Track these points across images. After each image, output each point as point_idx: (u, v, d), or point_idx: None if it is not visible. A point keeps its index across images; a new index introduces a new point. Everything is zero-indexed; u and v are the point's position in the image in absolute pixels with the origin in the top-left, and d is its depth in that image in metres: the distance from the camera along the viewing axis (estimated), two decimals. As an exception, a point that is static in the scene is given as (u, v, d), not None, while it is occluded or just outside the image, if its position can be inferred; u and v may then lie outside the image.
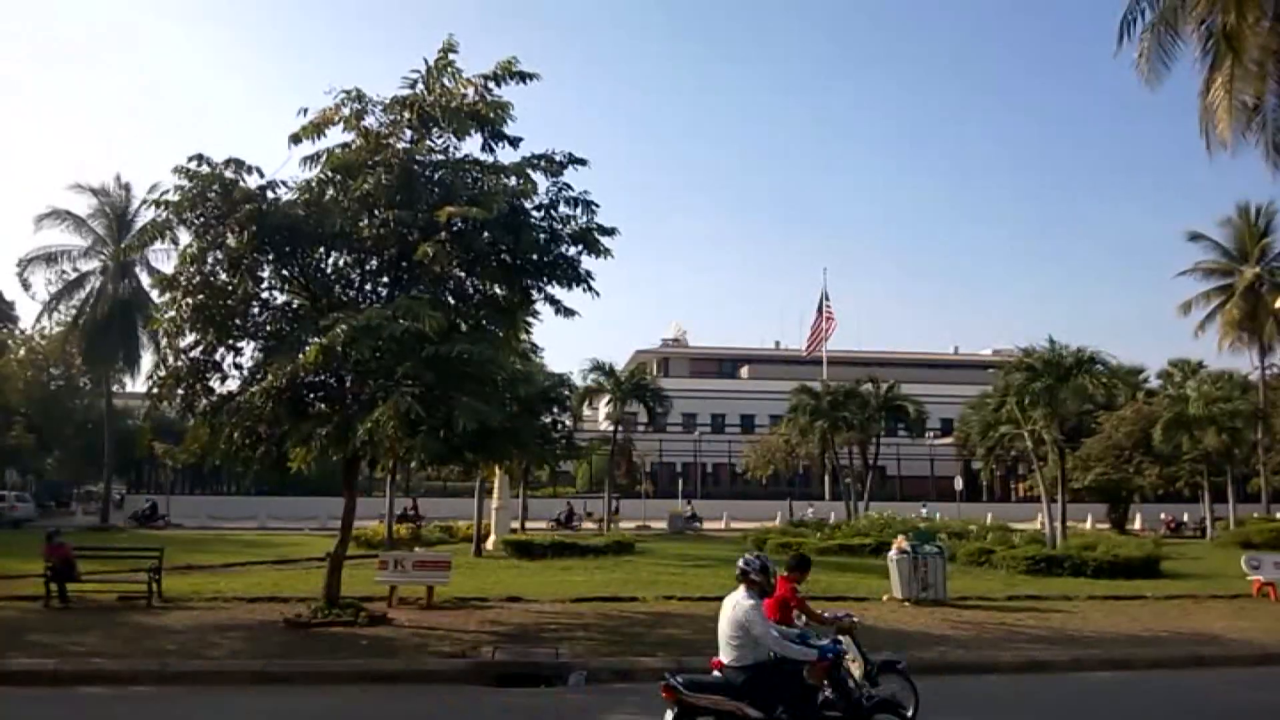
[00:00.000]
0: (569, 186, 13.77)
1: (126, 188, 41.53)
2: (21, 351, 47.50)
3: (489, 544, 27.05)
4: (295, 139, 13.45)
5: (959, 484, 49.14)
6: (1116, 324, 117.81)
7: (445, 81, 13.54)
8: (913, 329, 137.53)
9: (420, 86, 13.60)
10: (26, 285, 40.96)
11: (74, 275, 40.84)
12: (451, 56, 13.51)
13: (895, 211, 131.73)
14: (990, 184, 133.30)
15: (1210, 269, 42.78)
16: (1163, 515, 44.01)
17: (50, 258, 40.34)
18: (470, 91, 13.49)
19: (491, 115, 13.53)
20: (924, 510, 44.71)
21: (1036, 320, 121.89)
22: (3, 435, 39.79)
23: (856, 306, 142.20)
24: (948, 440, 58.98)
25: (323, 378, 13.45)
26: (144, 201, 38.64)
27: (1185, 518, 43.70)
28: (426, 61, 13.56)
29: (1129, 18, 17.39)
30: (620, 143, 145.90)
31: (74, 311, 41.09)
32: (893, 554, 16.68)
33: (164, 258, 31.15)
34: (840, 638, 7.80)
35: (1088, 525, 41.07)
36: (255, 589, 16.90)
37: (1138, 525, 43.23)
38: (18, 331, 51.14)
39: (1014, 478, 59.73)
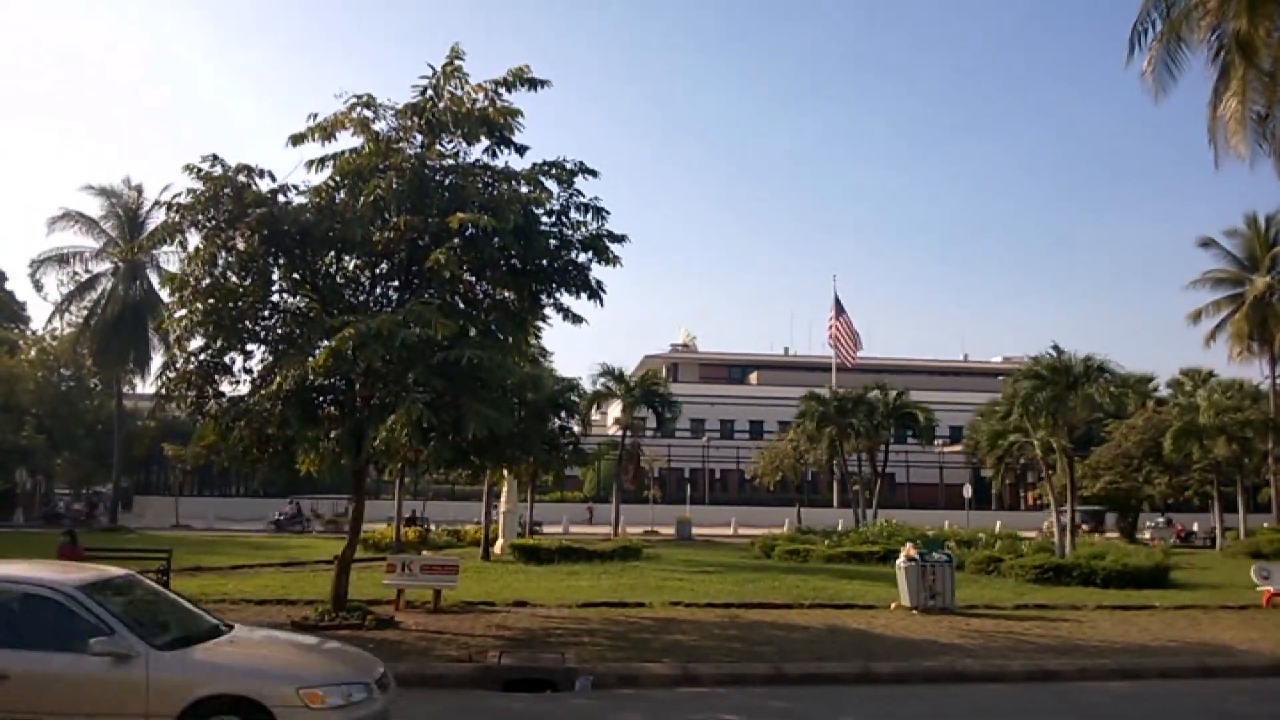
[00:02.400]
0: (580, 193, 13.84)
1: (138, 189, 41.86)
2: (33, 352, 47.82)
3: (496, 548, 27.11)
4: (297, 140, 13.48)
5: (968, 492, 48.99)
6: (1128, 332, 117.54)
7: (452, 89, 13.59)
8: (922, 336, 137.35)
9: (430, 92, 13.67)
10: (39, 286, 41.35)
11: (85, 277, 41.18)
12: (458, 63, 13.57)
13: (906, 219, 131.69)
14: (1001, 191, 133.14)
15: (1220, 278, 42.62)
16: (1170, 519, 43.77)
17: (62, 259, 40.64)
18: (480, 97, 13.55)
19: (501, 121, 13.57)
20: (942, 524, 44.45)
21: (1047, 328, 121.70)
22: (14, 435, 39.98)
23: (866, 313, 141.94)
24: (957, 448, 58.83)
25: (332, 381, 13.50)
26: (155, 203, 38.95)
27: (1195, 527, 43.50)
28: (433, 68, 13.65)
29: (1140, 28, 17.36)
30: (629, 148, 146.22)
31: (85, 313, 41.37)
32: (901, 561, 16.64)
33: (175, 259, 31.34)
34: None
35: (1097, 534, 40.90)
36: (263, 591, 16.96)
37: (1147, 535, 43.04)
38: (29, 332, 51.53)
39: (1023, 486, 59.50)
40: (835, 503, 54.53)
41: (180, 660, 6.95)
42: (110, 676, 6.68)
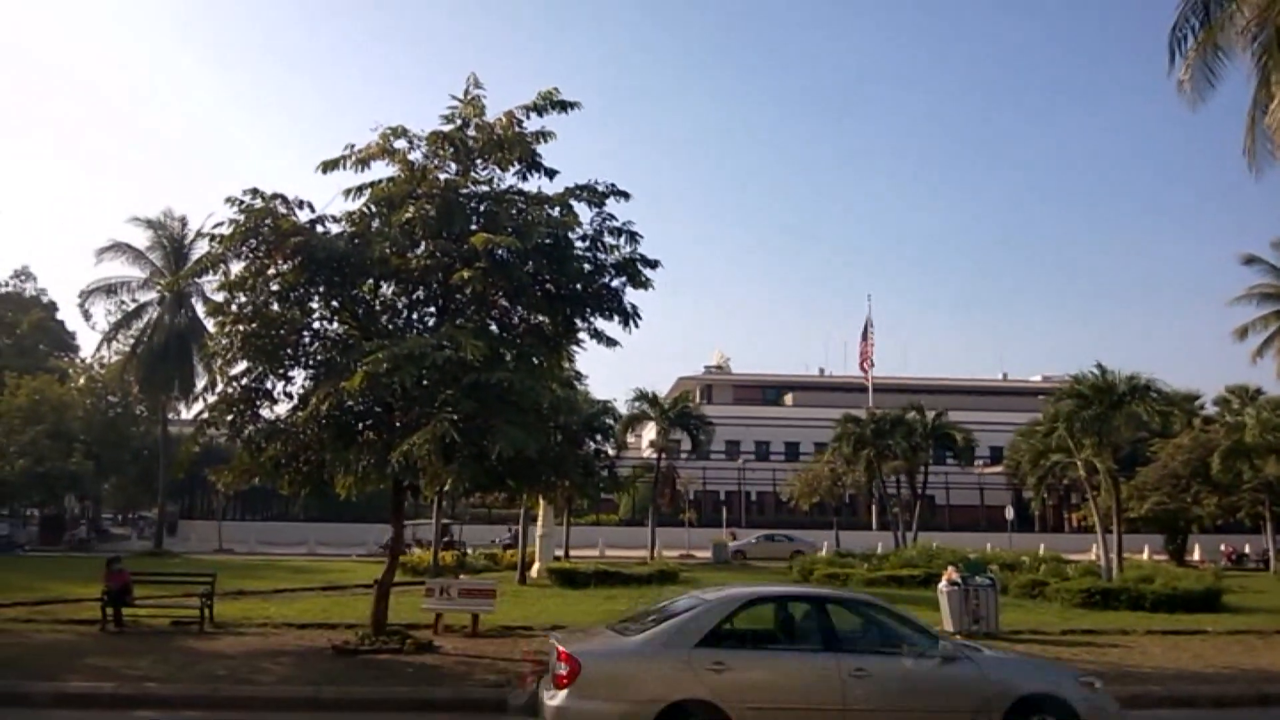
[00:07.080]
0: (613, 217, 13.89)
1: (183, 220, 42.81)
2: (81, 380, 48.97)
3: (533, 572, 27.11)
4: (328, 166, 13.72)
5: (1010, 514, 48.17)
6: (1168, 348, 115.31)
7: (481, 117, 13.79)
8: (960, 355, 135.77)
9: (459, 120, 13.88)
10: (87, 316, 42.41)
11: (132, 306, 42.12)
12: (476, 92, 13.86)
13: (942, 237, 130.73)
14: (1039, 208, 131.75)
15: (1267, 293, 41.54)
16: (1222, 546, 42.69)
17: (110, 289, 41.61)
18: (509, 123, 13.71)
19: (531, 146, 13.74)
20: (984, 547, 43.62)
21: (1086, 345, 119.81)
22: (63, 462, 40.84)
23: (903, 333, 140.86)
24: (997, 469, 57.95)
25: (369, 405, 13.64)
26: (198, 233, 39.80)
27: (1246, 549, 42.37)
28: (456, 98, 13.91)
29: (1179, 34, 16.95)
30: (658, 170, 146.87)
31: (132, 341, 42.24)
32: (943, 585, 16.39)
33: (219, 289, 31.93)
34: None
35: (1144, 556, 40.00)
36: (304, 615, 17.09)
37: (1196, 556, 42.02)
38: (78, 360, 52.76)
39: (1067, 507, 58.43)
40: (874, 525, 53.94)
41: (1001, 662, 8.32)
42: (951, 675, 7.69)
